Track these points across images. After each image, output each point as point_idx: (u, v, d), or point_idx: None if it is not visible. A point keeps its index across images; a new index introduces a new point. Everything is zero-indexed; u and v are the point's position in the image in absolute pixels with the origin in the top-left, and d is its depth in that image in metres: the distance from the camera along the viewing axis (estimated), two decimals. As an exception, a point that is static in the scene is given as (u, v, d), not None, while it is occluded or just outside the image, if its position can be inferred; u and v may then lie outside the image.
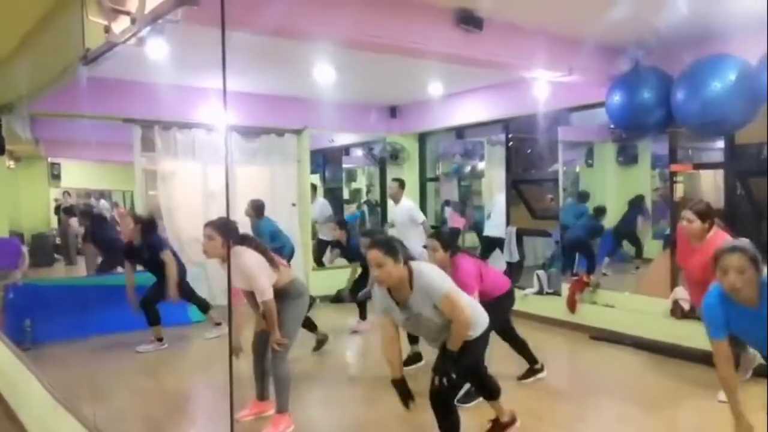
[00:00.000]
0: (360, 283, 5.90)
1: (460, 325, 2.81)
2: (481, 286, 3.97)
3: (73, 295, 5.86)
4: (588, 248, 6.88)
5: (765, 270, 2.50)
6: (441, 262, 3.95)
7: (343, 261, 6.69)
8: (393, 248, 2.72)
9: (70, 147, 9.18)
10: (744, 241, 2.59)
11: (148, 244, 5.40)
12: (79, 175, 10.69)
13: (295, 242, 7.23)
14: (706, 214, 3.72)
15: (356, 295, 5.86)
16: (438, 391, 2.87)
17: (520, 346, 4.46)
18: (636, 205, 6.86)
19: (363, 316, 6.07)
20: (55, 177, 10.37)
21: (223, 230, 3.53)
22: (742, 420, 2.58)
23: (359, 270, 5.94)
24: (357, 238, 5.90)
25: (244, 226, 5.76)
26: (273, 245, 5.44)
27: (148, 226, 5.48)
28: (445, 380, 2.83)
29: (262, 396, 3.84)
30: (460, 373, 2.90)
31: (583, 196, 7.34)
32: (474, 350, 2.97)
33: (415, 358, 4.83)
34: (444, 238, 4.14)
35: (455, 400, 3.06)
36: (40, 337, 5.51)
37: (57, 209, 9.86)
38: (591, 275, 6.31)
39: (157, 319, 5.50)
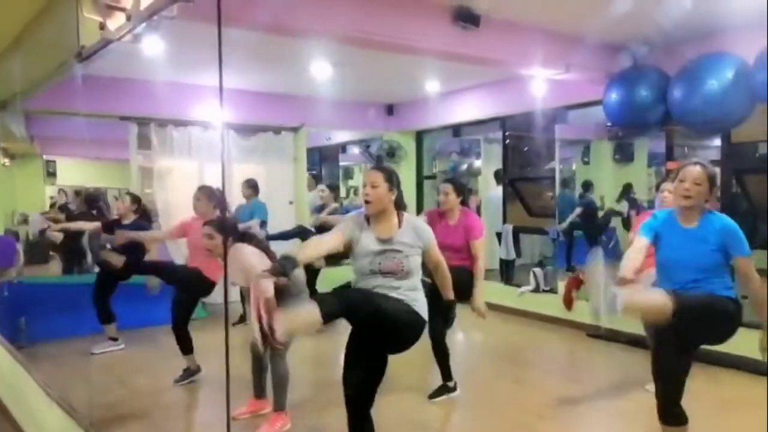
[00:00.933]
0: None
1: (443, 268, 2.83)
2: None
3: (68, 293, 5.83)
4: (588, 230, 6.84)
5: (716, 193, 2.73)
6: (452, 205, 3.96)
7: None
8: (392, 178, 2.67)
9: (66, 144, 9.13)
10: (707, 162, 2.78)
11: (135, 224, 5.29)
12: (74, 173, 10.64)
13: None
14: None
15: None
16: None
17: (443, 355, 4.06)
18: (627, 191, 6.88)
19: None
20: (51, 174, 10.31)
21: (223, 228, 3.53)
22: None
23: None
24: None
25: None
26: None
27: (144, 211, 5.48)
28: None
29: (258, 394, 3.83)
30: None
31: (567, 183, 7.27)
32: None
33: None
34: (457, 184, 4.06)
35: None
36: (35, 335, 5.48)
37: (52, 207, 9.80)
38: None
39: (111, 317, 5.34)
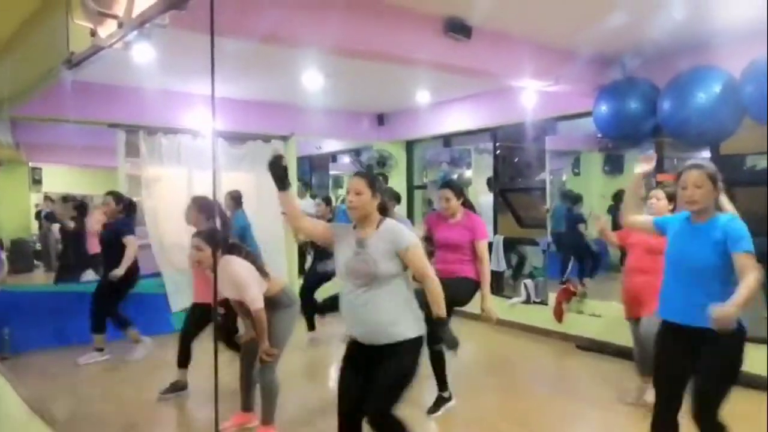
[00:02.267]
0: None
1: (434, 284, 2.64)
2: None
3: (53, 302, 5.75)
4: (575, 246, 6.87)
5: (721, 186, 2.67)
6: (454, 210, 3.92)
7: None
8: (375, 184, 2.66)
9: (52, 151, 9.06)
10: (706, 160, 2.80)
11: (119, 225, 5.28)
12: (61, 181, 10.54)
13: (280, 250, 7.19)
14: (673, 197, 3.76)
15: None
16: (372, 420, 2.56)
17: (441, 364, 3.97)
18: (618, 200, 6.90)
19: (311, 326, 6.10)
20: (36, 182, 10.22)
21: (212, 240, 3.49)
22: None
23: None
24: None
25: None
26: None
27: (129, 207, 5.46)
28: (379, 411, 2.54)
29: (246, 407, 3.79)
30: (397, 394, 2.56)
31: (565, 197, 7.29)
32: (411, 358, 2.60)
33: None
34: (455, 187, 4.02)
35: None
36: (18, 345, 5.40)
37: (38, 215, 9.69)
38: (582, 281, 6.33)
39: (102, 327, 5.31)
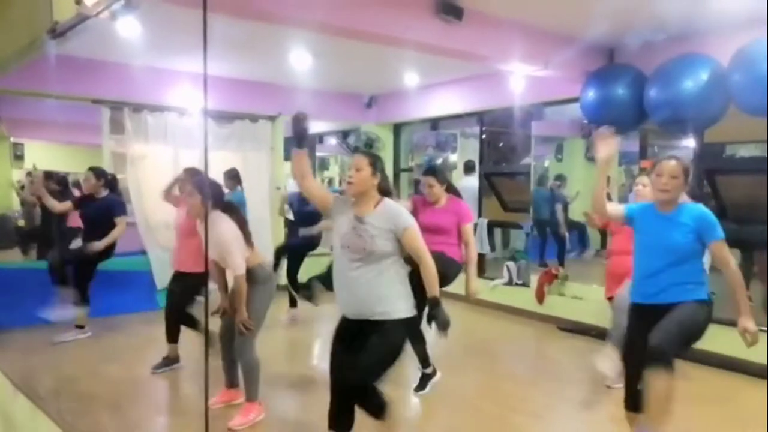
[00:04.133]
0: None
1: (429, 265, 2.67)
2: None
3: (36, 278, 5.70)
4: (554, 226, 6.95)
5: (689, 180, 2.85)
6: (437, 197, 3.96)
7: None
8: (377, 164, 2.73)
9: (35, 127, 8.90)
10: (682, 153, 2.94)
11: (111, 203, 5.22)
12: (43, 157, 10.37)
13: (266, 228, 7.16)
14: None
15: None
16: (351, 391, 2.65)
17: (422, 342, 3.99)
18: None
19: (294, 303, 6.09)
20: (18, 158, 10.04)
21: (202, 188, 3.49)
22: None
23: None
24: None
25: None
26: None
27: (113, 181, 5.40)
28: (361, 382, 2.61)
29: (231, 384, 3.79)
30: (380, 369, 2.63)
31: (542, 180, 7.34)
32: (397, 337, 2.65)
33: None
34: (439, 173, 4.03)
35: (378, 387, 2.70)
36: (1, 322, 5.35)
37: (22, 190, 9.54)
38: (561, 266, 6.42)
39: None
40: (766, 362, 4.23)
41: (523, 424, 3.65)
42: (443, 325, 2.69)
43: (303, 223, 5.81)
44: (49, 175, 6.74)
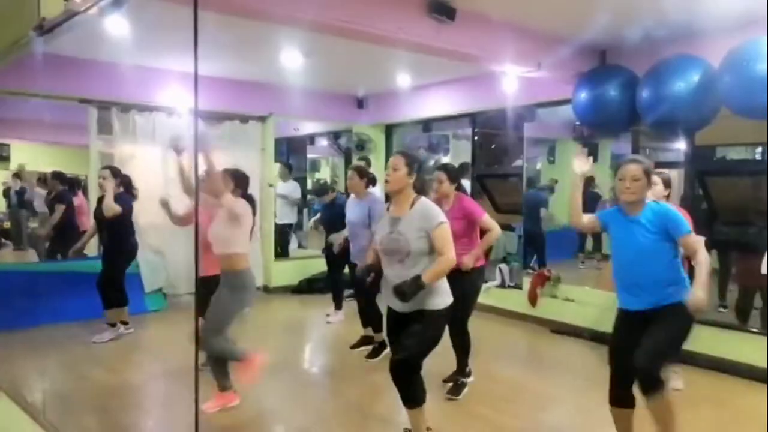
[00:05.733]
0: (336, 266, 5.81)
1: (445, 259, 2.82)
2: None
3: (23, 281, 5.61)
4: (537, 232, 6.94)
5: (653, 180, 2.93)
6: (446, 192, 3.98)
7: (303, 251, 6.48)
8: (414, 163, 2.92)
9: (20, 127, 8.75)
10: (641, 156, 3.01)
11: (120, 198, 5.19)
12: (29, 158, 10.23)
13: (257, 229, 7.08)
14: (669, 183, 3.92)
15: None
16: (398, 365, 2.89)
17: (465, 346, 4.12)
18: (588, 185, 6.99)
19: (338, 305, 6.07)
20: (3, 159, 9.91)
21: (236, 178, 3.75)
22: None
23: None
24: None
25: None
26: None
27: (128, 183, 5.43)
28: (405, 357, 2.87)
29: (222, 387, 3.74)
30: (420, 349, 2.88)
31: (532, 182, 7.28)
32: (436, 326, 2.94)
33: (364, 341, 4.92)
34: (451, 171, 4.06)
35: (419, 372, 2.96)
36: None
37: (6, 192, 9.41)
38: (544, 268, 6.41)
39: (117, 302, 5.25)
40: (759, 365, 4.25)
41: (514, 426, 3.62)
42: (400, 294, 2.77)
43: (331, 230, 5.73)
44: (57, 175, 6.71)
